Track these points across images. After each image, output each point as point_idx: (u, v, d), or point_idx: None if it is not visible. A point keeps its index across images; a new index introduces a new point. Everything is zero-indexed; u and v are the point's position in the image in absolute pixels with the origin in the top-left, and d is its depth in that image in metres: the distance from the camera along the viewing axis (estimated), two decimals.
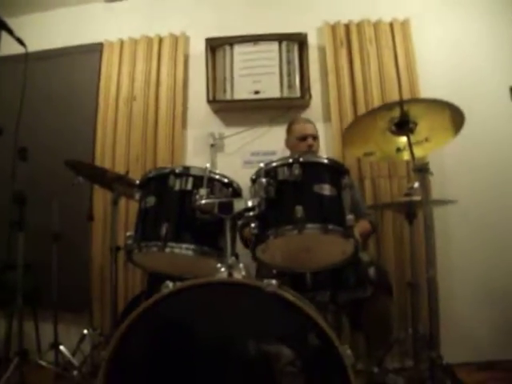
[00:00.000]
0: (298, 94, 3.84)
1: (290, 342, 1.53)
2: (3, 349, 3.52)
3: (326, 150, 3.68)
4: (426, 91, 3.63)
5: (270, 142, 3.80)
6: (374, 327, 2.71)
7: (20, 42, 2.48)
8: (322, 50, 3.99)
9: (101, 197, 3.91)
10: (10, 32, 2.37)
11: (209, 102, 3.92)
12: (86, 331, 3.47)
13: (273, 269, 2.14)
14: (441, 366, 2.09)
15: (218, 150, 3.93)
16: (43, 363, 3.12)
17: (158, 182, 2.03)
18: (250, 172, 2.05)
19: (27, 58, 2.53)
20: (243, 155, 3.90)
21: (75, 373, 3.03)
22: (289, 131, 3.36)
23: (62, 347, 3.28)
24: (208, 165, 1.98)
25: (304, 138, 3.19)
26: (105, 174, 2.97)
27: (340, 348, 1.47)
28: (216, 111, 4.02)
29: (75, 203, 3.74)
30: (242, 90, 3.86)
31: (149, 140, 3.95)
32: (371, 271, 2.30)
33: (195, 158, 3.90)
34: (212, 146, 3.86)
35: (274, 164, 1.94)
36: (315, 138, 3.23)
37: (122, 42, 4.20)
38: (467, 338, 3.42)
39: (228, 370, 1.54)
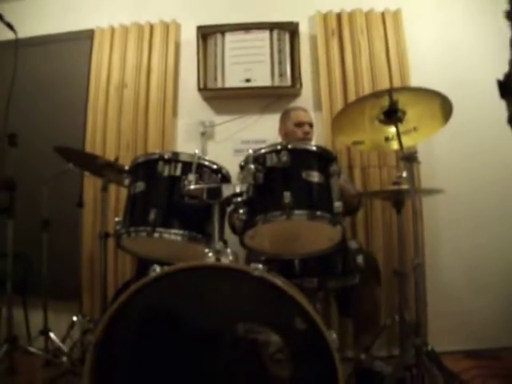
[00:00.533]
0: (288, 82, 3.83)
1: (276, 326, 1.55)
2: None
3: (316, 139, 3.67)
4: (417, 81, 3.62)
5: (260, 131, 3.80)
6: (362, 314, 2.74)
7: (10, 27, 2.48)
8: (313, 39, 3.99)
9: (91, 183, 3.91)
10: (0, 17, 2.37)
11: (199, 89, 3.90)
12: (75, 318, 3.48)
13: (261, 255, 2.15)
14: (426, 353, 2.12)
15: (209, 138, 3.93)
16: (33, 349, 3.12)
17: (146, 168, 2.04)
18: (241, 160, 2.06)
19: (17, 43, 2.53)
20: (234, 143, 3.90)
21: (64, 359, 3.04)
22: (284, 118, 3.36)
23: (51, 334, 3.28)
24: (197, 151, 1.99)
25: (301, 125, 3.21)
26: (94, 160, 2.97)
27: (326, 332, 1.49)
28: (207, 99, 4.01)
29: (65, 190, 3.73)
30: (233, 78, 3.85)
31: (139, 127, 3.94)
32: (359, 259, 2.31)
33: (185, 146, 3.89)
34: (202, 133, 3.86)
35: (263, 151, 1.95)
36: (311, 125, 3.26)
37: (112, 29, 4.18)
38: (455, 326, 3.45)
39: (216, 355, 1.55)
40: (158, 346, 1.57)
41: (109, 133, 3.97)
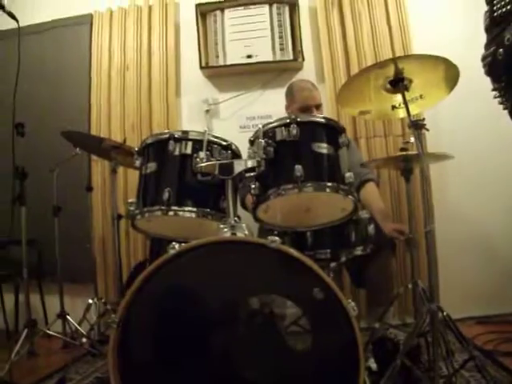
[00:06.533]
0: (290, 56, 3.83)
1: (295, 297, 1.57)
2: (13, 321, 3.58)
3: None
4: (419, 49, 3.59)
5: (264, 106, 3.80)
6: (376, 283, 2.76)
7: (12, 16, 2.48)
8: (313, 11, 3.97)
9: (98, 167, 3.95)
10: (2, 7, 2.37)
11: (201, 68, 3.91)
12: (91, 301, 3.52)
13: (274, 229, 2.16)
14: (443, 319, 2.13)
15: (213, 116, 3.94)
16: (51, 332, 3.18)
17: (157, 148, 2.05)
18: (247, 136, 2.06)
19: (20, 32, 2.53)
20: (239, 120, 3.92)
21: (84, 340, 3.08)
22: (291, 98, 3.23)
23: (68, 317, 3.33)
24: (206, 128, 2.00)
25: (307, 109, 3.08)
26: (102, 143, 2.98)
27: (344, 300, 1.51)
28: (209, 77, 4.02)
29: (73, 175, 3.78)
30: (235, 54, 3.85)
31: (143, 108, 3.96)
32: (371, 228, 2.32)
33: (190, 125, 3.92)
34: (207, 111, 3.87)
35: (272, 125, 1.95)
36: (318, 107, 3.12)
37: (111, 12, 4.18)
38: (465, 293, 3.46)
39: (235, 330, 1.58)
40: (177, 322, 1.59)
41: (113, 115, 4.00)
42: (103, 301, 3.55)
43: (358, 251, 2.30)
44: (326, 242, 2.27)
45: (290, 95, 3.25)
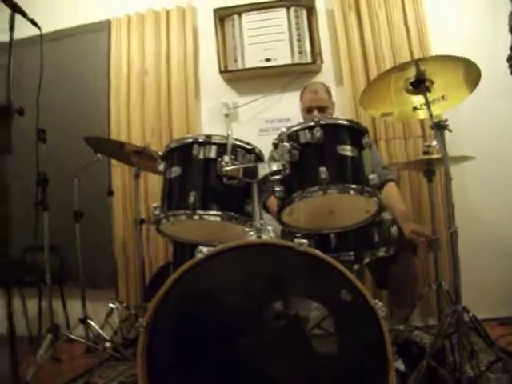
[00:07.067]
0: (309, 59, 3.84)
1: (322, 299, 1.57)
2: (34, 326, 3.62)
3: (340, 114, 3.67)
4: (438, 49, 3.59)
5: (283, 109, 3.81)
6: (399, 284, 2.75)
7: (34, 23, 2.50)
8: (330, 14, 3.97)
9: (118, 172, 3.97)
10: (24, 14, 2.39)
11: (221, 72, 3.94)
12: (112, 305, 3.54)
13: (298, 232, 2.17)
14: (470, 320, 2.12)
15: (233, 120, 3.96)
16: (74, 337, 3.20)
17: (181, 152, 2.05)
18: (266, 139, 2.07)
19: (42, 39, 2.56)
20: (258, 123, 3.93)
21: (107, 344, 3.09)
22: (300, 98, 3.37)
23: (90, 322, 3.35)
24: (229, 132, 2.01)
25: (309, 111, 3.19)
26: (124, 148, 3.00)
27: (372, 301, 1.51)
28: (228, 81, 4.04)
29: (93, 180, 3.79)
30: (253, 58, 3.86)
31: (163, 113, 3.98)
32: (394, 230, 2.32)
33: (210, 129, 3.94)
34: (226, 115, 3.89)
35: (296, 128, 1.96)
36: (322, 108, 3.18)
37: (129, 18, 4.21)
38: (487, 294, 3.43)
39: (262, 333, 1.59)
40: (204, 325, 1.60)
41: (133, 120, 4.03)
42: (125, 305, 3.58)
43: (382, 252, 2.30)
44: (350, 243, 2.27)
45: (300, 95, 3.37)
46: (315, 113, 3.15)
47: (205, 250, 1.59)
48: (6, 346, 3.30)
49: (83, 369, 3.00)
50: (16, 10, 2.34)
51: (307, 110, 3.21)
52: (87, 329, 3.39)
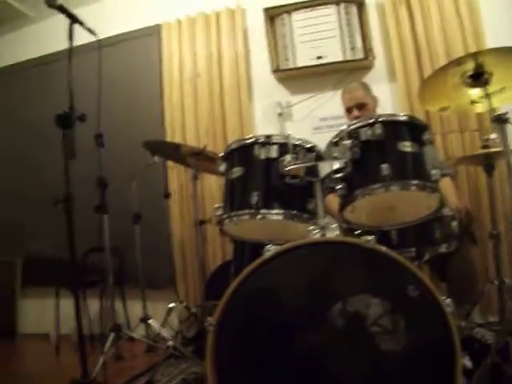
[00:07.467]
0: (361, 55, 3.81)
1: (389, 295, 1.57)
2: (97, 325, 3.72)
3: (393, 110, 3.65)
4: (493, 40, 3.50)
5: (336, 107, 3.76)
6: (459, 279, 2.71)
7: (91, 31, 2.58)
8: (381, 8, 3.94)
9: (175, 174, 4.05)
10: (81, 23, 2.47)
11: (273, 71, 3.96)
12: (172, 305, 3.61)
13: (359, 229, 2.17)
14: None
15: (286, 119, 3.97)
16: (136, 336, 3.28)
17: (242, 153, 2.08)
18: (320, 137, 2.08)
19: (100, 46, 2.63)
20: (312, 121, 3.94)
21: (170, 343, 3.14)
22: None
23: (151, 321, 3.42)
24: (290, 132, 2.03)
25: (349, 110, 3.21)
26: (179, 150, 3.04)
27: (439, 297, 1.51)
28: (280, 80, 4.07)
29: (150, 182, 3.86)
30: (305, 56, 3.87)
31: (216, 114, 4.05)
32: (454, 225, 2.30)
33: (264, 128, 3.98)
34: (280, 114, 3.90)
35: (356, 125, 1.96)
36: (361, 105, 3.17)
37: (179, 22, 4.29)
38: None
39: (328, 331, 1.60)
40: (269, 323, 1.63)
41: (187, 123, 4.10)
42: (184, 305, 3.64)
43: (443, 249, 2.30)
44: (411, 240, 2.27)
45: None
46: (355, 111, 3.15)
47: (273, 248, 1.61)
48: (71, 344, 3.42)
49: (145, 367, 3.07)
50: (74, 20, 2.42)
51: (348, 111, 3.23)
52: (147, 328, 3.47)
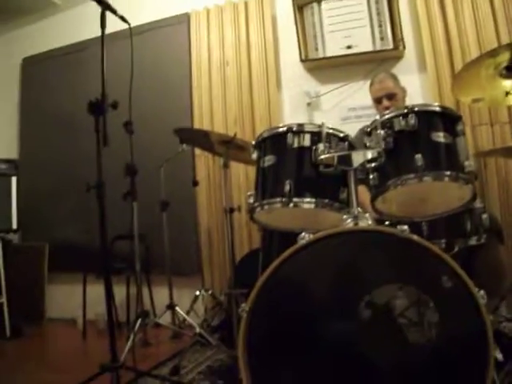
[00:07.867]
0: (390, 45, 3.78)
1: (423, 285, 1.57)
2: (121, 313, 3.77)
3: (423, 101, 3.61)
4: None
5: (365, 97, 3.73)
6: (488, 274, 2.70)
7: (123, 19, 2.59)
8: None
9: (202, 162, 4.07)
10: (114, 12, 2.48)
11: (302, 61, 3.95)
12: (198, 292, 3.64)
13: (390, 219, 2.16)
14: None
15: (315, 109, 3.97)
16: (162, 322, 3.32)
17: (275, 141, 2.09)
18: (349, 127, 2.07)
19: (131, 34, 2.65)
20: (340, 111, 3.92)
21: (198, 330, 3.17)
22: (370, 93, 3.37)
23: (177, 308, 3.45)
24: (323, 121, 2.03)
25: (379, 101, 3.19)
26: (209, 137, 3.04)
27: (473, 288, 1.50)
28: (309, 69, 4.06)
29: (178, 170, 3.90)
30: (334, 46, 3.85)
31: (245, 102, 4.05)
32: (485, 218, 2.29)
33: (292, 118, 3.99)
34: (308, 104, 3.90)
35: (390, 115, 1.95)
36: (391, 95, 3.16)
37: (207, 10, 4.30)
38: None
39: (361, 319, 1.59)
40: (301, 313, 1.64)
41: (215, 111, 4.12)
42: (210, 292, 3.67)
43: (473, 241, 2.28)
44: (442, 231, 2.26)
45: (369, 91, 3.38)
46: (385, 102, 3.14)
47: (307, 236, 1.62)
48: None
49: (171, 353, 3.11)
50: (107, 8, 2.43)
51: (377, 101, 3.21)
52: (174, 315, 3.51)
